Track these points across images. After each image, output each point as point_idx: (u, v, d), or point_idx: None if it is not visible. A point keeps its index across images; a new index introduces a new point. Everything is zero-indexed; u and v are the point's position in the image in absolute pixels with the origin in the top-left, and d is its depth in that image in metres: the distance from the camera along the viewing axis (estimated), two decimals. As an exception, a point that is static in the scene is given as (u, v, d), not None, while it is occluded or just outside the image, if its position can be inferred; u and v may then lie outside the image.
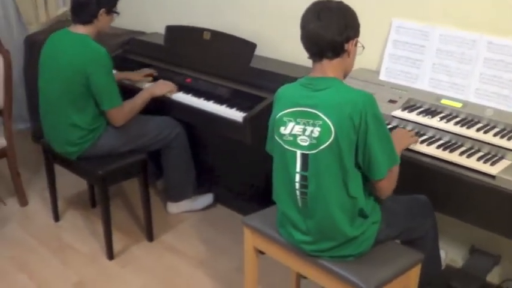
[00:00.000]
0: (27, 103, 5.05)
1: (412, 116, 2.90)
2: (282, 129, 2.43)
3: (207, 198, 4.08)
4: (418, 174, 2.77)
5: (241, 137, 3.36)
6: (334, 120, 2.26)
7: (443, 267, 3.13)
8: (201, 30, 3.88)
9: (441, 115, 2.88)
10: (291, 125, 2.39)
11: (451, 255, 3.34)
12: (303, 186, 2.40)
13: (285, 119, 2.41)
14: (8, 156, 3.96)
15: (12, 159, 3.98)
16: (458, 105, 2.91)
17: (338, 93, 2.31)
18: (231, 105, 3.48)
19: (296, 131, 2.37)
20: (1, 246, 3.71)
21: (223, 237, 3.78)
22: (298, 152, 2.38)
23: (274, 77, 3.34)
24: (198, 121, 3.68)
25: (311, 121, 2.32)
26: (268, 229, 2.69)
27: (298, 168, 2.40)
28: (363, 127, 2.24)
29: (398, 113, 2.94)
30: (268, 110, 3.19)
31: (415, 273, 2.54)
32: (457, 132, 2.76)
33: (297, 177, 2.41)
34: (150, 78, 3.96)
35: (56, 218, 3.97)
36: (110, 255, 3.58)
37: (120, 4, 3.53)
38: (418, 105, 3.00)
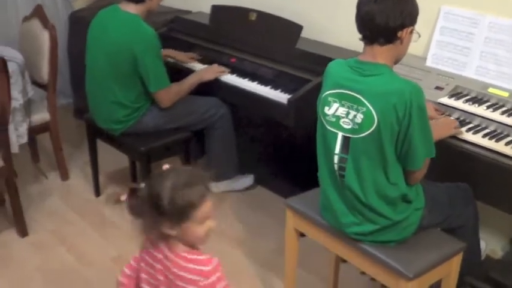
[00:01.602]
0: (70, 79, 5.11)
1: (459, 104, 2.88)
2: (326, 109, 2.42)
3: (248, 180, 4.10)
4: (462, 162, 2.75)
5: (285, 119, 3.36)
6: (378, 108, 2.25)
7: (482, 258, 3.10)
8: (246, 11, 3.87)
9: (488, 104, 2.85)
10: (335, 105, 2.38)
11: (490, 245, 3.31)
12: (341, 168, 2.40)
13: (329, 99, 2.41)
14: (51, 130, 4.02)
15: (55, 133, 4.04)
16: (506, 94, 2.87)
17: (385, 82, 2.28)
18: (275, 87, 3.48)
19: (340, 113, 2.37)
20: (42, 219, 3.77)
21: (262, 219, 3.80)
22: (340, 134, 2.38)
23: (320, 60, 3.30)
24: (243, 102, 3.69)
25: (355, 106, 2.31)
26: (310, 211, 2.70)
27: (337, 150, 2.39)
28: (406, 118, 2.22)
29: (445, 100, 2.92)
30: (313, 92, 3.19)
31: (456, 262, 2.53)
32: (504, 122, 2.73)
33: (336, 159, 2.40)
34: (194, 61, 3.98)
35: (97, 193, 4.03)
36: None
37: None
38: (464, 93, 2.97)
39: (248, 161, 4.13)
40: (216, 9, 4.07)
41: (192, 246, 1.94)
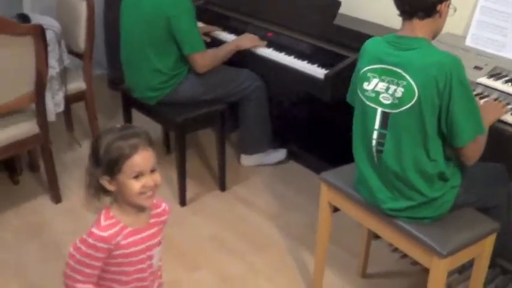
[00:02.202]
0: (106, 50, 5.14)
1: (498, 84, 2.84)
2: (365, 85, 2.42)
3: (281, 153, 4.11)
4: (499, 144, 2.73)
5: (321, 94, 3.36)
6: (419, 81, 2.24)
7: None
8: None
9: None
10: (374, 81, 2.39)
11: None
12: (380, 144, 2.40)
13: (369, 74, 2.41)
14: (87, 99, 4.07)
15: (90, 102, 4.08)
16: (550, 74, 2.84)
17: (425, 55, 2.28)
18: (312, 62, 3.47)
19: (379, 88, 2.37)
20: (75, 187, 3.81)
21: (294, 193, 3.83)
22: (379, 110, 2.38)
23: (358, 36, 3.27)
24: (279, 76, 3.69)
25: (395, 80, 2.31)
26: (345, 186, 2.71)
27: (377, 126, 2.40)
28: (447, 91, 2.21)
29: (484, 80, 2.89)
30: (350, 68, 3.16)
31: (489, 242, 2.53)
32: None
33: (375, 134, 2.41)
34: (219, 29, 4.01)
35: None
36: (183, 202, 3.66)
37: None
38: (504, 73, 2.93)
39: (281, 135, 4.14)
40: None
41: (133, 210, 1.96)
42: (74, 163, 4.09)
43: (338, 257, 3.23)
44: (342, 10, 3.59)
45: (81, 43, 3.96)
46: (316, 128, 4.01)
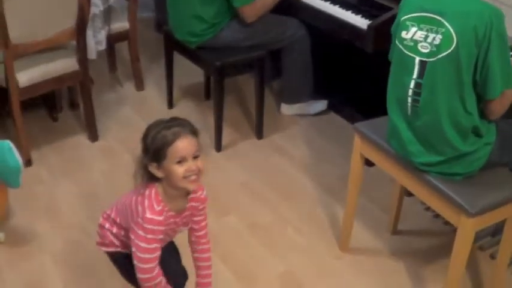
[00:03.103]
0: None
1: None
2: (404, 34, 2.37)
3: (321, 104, 4.06)
4: None
5: (364, 45, 3.29)
6: (458, 29, 2.19)
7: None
8: None
9: None
10: (413, 29, 2.33)
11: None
12: (416, 93, 2.35)
13: (408, 23, 2.36)
14: (130, 39, 4.06)
15: (133, 43, 4.08)
16: None
17: (466, 3, 2.23)
18: (356, 12, 3.38)
19: (418, 37, 2.32)
20: (113, 127, 3.87)
21: (331, 145, 3.78)
22: (417, 59, 2.33)
23: None
24: (323, 25, 3.60)
25: (434, 28, 2.26)
26: (378, 138, 2.65)
27: (415, 75, 2.34)
28: (486, 41, 2.17)
29: None
30: (393, 20, 3.11)
31: (522, 203, 2.45)
32: None
33: (412, 84, 2.36)
34: None
35: (170, 105, 4.08)
36: (218, 147, 3.67)
37: None
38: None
39: (323, 86, 4.07)
40: None
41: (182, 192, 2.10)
42: (113, 104, 4.13)
43: (369, 212, 3.20)
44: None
45: (127, -18, 3.94)
46: (358, 81, 3.94)
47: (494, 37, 2.16)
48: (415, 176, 2.50)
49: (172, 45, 3.79)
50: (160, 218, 2.04)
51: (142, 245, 2.04)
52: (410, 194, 3.14)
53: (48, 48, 3.32)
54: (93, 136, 3.68)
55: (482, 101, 2.33)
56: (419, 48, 2.31)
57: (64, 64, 3.38)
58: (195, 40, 3.51)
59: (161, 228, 2.05)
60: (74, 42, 3.39)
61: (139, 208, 2.04)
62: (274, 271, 2.87)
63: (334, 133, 3.91)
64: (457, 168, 2.39)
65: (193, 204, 2.17)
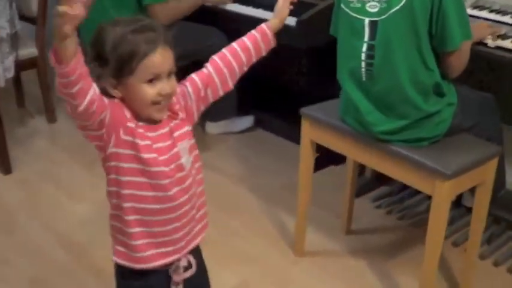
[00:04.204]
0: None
1: (483, 14, 2.68)
2: None
3: (248, 120, 3.89)
4: (489, 71, 2.62)
5: (295, 41, 3.16)
6: None
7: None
8: None
9: (514, 13, 2.67)
10: None
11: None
12: (370, 56, 2.22)
13: None
14: (39, 67, 3.78)
15: (43, 70, 3.80)
16: (533, 5, 2.69)
17: None
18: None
19: None
20: (27, 159, 3.56)
21: (263, 157, 3.61)
22: (366, 20, 2.21)
23: None
24: (247, 30, 3.46)
25: None
26: (330, 118, 2.49)
27: (366, 38, 2.22)
28: None
29: (469, 11, 2.71)
30: (321, 13, 3.09)
31: (492, 167, 2.32)
32: (534, 28, 2.55)
33: (364, 47, 2.23)
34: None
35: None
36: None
37: None
38: (487, 6, 2.78)
39: (248, 102, 3.91)
40: None
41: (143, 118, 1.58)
42: (25, 137, 3.83)
43: (319, 216, 3.00)
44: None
45: (34, 6, 3.71)
46: (283, 94, 3.82)
47: None
48: (376, 149, 2.34)
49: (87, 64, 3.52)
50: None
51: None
52: (359, 195, 3.07)
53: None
54: (6, 168, 3.35)
55: (440, 57, 2.22)
56: (368, 8, 2.20)
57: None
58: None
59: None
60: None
61: None
62: (227, 284, 2.60)
63: (263, 147, 3.75)
64: (422, 132, 2.25)
65: (170, 113, 1.62)
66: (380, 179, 3.28)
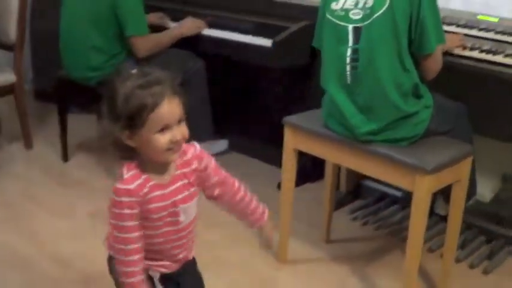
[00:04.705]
0: (32, 59, 4.88)
1: (451, 29, 2.84)
2: (334, 5, 2.41)
3: (222, 145, 3.96)
4: (459, 80, 2.82)
5: (271, 61, 3.30)
6: None
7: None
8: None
9: (479, 28, 2.83)
10: (342, 0, 2.38)
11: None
12: (354, 59, 2.36)
13: None
14: (16, 93, 3.82)
15: (20, 95, 3.84)
16: (496, 19, 2.84)
17: None
18: (256, 34, 3.40)
19: (348, 5, 2.36)
20: (5, 182, 3.57)
21: (239, 177, 3.63)
22: (350, 26, 2.36)
23: (298, 8, 3.36)
24: (228, 52, 3.56)
25: None
26: (312, 125, 2.61)
27: (350, 43, 2.37)
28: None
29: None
30: (295, 35, 3.26)
31: (466, 166, 2.47)
32: (499, 39, 2.71)
33: (349, 52, 2.37)
34: (165, 18, 3.86)
35: (65, 158, 3.83)
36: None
37: None
38: (454, 21, 2.94)
39: (221, 125, 3.99)
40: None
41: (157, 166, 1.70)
42: (3, 161, 3.84)
43: (299, 228, 3.07)
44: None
45: (12, 34, 3.77)
46: (257, 115, 3.92)
47: None
48: (358, 150, 2.47)
49: (66, 90, 3.64)
50: (131, 187, 1.63)
51: (113, 221, 1.67)
52: (335, 209, 3.15)
53: None
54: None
55: (417, 61, 2.38)
56: (351, 16, 2.36)
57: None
58: (94, 75, 3.38)
59: (132, 199, 1.64)
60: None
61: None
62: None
63: (239, 168, 3.72)
64: (401, 132, 2.39)
65: (185, 170, 1.75)
66: (354, 193, 3.42)
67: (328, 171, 2.92)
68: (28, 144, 3.99)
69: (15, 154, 3.97)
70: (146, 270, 1.77)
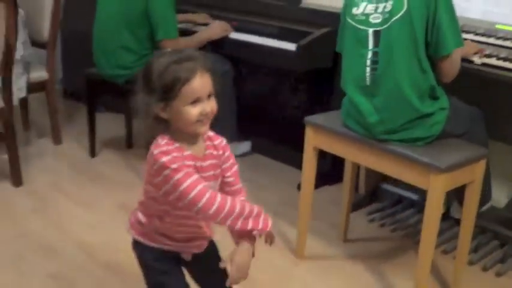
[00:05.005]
0: (62, 61, 5.05)
1: (469, 36, 2.93)
2: (355, 10, 2.51)
3: (245, 146, 4.07)
4: (476, 87, 2.90)
5: (296, 65, 3.41)
6: None
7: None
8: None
9: (497, 36, 2.92)
10: (363, 4, 2.49)
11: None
12: (374, 62, 2.47)
13: (357, 0, 2.51)
14: (48, 90, 3.96)
15: (52, 93, 3.97)
16: (513, 28, 2.95)
17: None
18: (281, 39, 3.50)
19: (368, 10, 2.47)
20: (36, 174, 3.70)
21: (262, 180, 3.77)
22: (370, 30, 2.47)
23: (322, 14, 3.46)
24: (250, 56, 3.70)
25: None
26: (332, 124, 2.71)
27: (370, 46, 2.48)
28: (433, 2, 2.36)
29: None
30: (319, 40, 3.35)
31: (480, 168, 2.54)
32: (517, 47, 2.80)
33: (369, 55, 2.48)
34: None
35: (93, 154, 3.96)
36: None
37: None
38: (472, 30, 3.03)
39: (245, 127, 4.10)
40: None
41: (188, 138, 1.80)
42: (32, 156, 3.96)
43: (317, 227, 3.18)
44: None
45: (45, 32, 3.91)
46: (279, 119, 4.02)
47: None
48: (375, 149, 2.56)
49: (96, 88, 3.77)
50: (171, 147, 1.74)
51: (170, 183, 1.72)
52: (353, 210, 3.24)
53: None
54: (17, 181, 3.48)
55: (434, 63, 2.47)
56: (371, 20, 2.46)
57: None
58: (123, 73, 3.50)
59: (178, 154, 1.73)
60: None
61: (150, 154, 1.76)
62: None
63: (262, 169, 3.92)
64: (418, 132, 2.48)
65: (213, 152, 1.86)
66: (372, 195, 3.50)
67: (347, 172, 3.01)
68: (57, 140, 4.13)
69: (44, 149, 4.10)
70: (178, 253, 1.92)
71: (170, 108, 1.73)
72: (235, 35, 3.71)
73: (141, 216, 1.91)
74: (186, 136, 1.78)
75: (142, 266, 1.95)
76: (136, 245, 1.95)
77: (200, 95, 1.72)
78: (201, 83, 1.71)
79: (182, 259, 1.96)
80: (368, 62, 2.48)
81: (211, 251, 2.04)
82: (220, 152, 1.89)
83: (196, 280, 2.06)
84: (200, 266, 2.01)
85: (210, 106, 1.75)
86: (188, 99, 1.71)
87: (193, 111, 1.72)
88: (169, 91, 1.70)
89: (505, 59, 2.73)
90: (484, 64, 2.74)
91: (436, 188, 2.37)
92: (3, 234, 3.04)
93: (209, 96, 1.75)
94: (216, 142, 1.89)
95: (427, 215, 2.43)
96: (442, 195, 2.40)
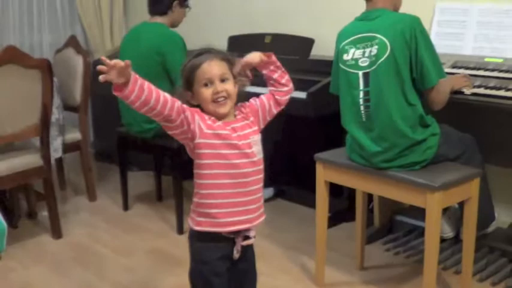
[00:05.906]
0: (93, 125, 5.41)
1: (460, 71, 3.19)
2: (345, 56, 2.83)
3: (269, 192, 4.29)
4: (467, 116, 3.17)
5: (306, 111, 3.68)
6: (389, 37, 2.68)
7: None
8: (262, 35, 4.29)
9: (486, 68, 3.18)
10: (352, 51, 2.81)
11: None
12: (366, 100, 2.76)
13: (346, 47, 2.83)
14: (82, 149, 4.27)
15: (85, 152, 4.29)
16: (501, 60, 3.21)
17: (389, 17, 2.75)
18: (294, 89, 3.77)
19: (357, 55, 2.78)
20: (73, 228, 3.97)
21: (284, 220, 4.03)
22: (360, 73, 2.78)
23: (329, 64, 3.66)
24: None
25: (369, 43, 2.73)
26: (339, 159, 2.99)
27: (361, 86, 2.78)
28: (413, 41, 2.66)
29: (448, 70, 3.21)
30: (326, 88, 3.53)
31: (475, 185, 2.79)
32: (503, 76, 3.06)
33: (361, 94, 2.78)
34: None
35: (126, 207, 4.24)
36: (180, 230, 3.83)
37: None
38: (464, 65, 3.29)
39: (268, 174, 4.33)
40: (233, 39, 4.49)
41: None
42: (69, 212, 4.23)
43: (335, 258, 3.41)
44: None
45: (77, 96, 4.24)
46: (300, 164, 4.26)
47: (419, 36, 2.67)
48: (377, 177, 2.83)
49: (126, 145, 4.05)
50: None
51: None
52: (369, 242, 3.49)
53: (11, 146, 3.54)
54: (57, 234, 3.75)
55: (423, 95, 2.75)
56: (360, 63, 2.78)
57: (28, 160, 3.56)
58: (150, 127, 3.74)
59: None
60: (36, 142, 3.60)
61: None
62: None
63: (284, 213, 4.18)
64: (413, 157, 2.75)
65: (242, 113, 2.17)
66: (387, 227, 3.72)
67: (359, 202, 3.25)
68: (92, 197, 4.43)
69: (80, 205, 4.40)
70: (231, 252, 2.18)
71: (194, 93, 2.08)
72: (250, 89, 3.95)
73: (197, 204, 2.13)
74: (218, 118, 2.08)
75: (198, 261, 2.17)
76: (199, 238, 2.14)
77: (210, 76, 2.04)
78: (209, 66, 2.04)
79: (231, 259, 2.20)
80: (361, 101, 2.78)
81: (251, 256, 2.34)
82: (248, 111, 2.18)
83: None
84: (239, 267, 2.25)
85: (223, 87, 2.05)
86: (201, 81, 2.05)
87: (207, 91, 2.04)
88: (190, 79, 2.07)
89: (492, 88, 2.99)
90: (473, 94, 2.99)
91: (433, 205, 2.61)
92: (46, 279, 3.30)
93: (222, 80, 2.06)
94: (245, 110, 2.18)
95: (428, 231, 2.67)
96: (439, 212, 2.64)
